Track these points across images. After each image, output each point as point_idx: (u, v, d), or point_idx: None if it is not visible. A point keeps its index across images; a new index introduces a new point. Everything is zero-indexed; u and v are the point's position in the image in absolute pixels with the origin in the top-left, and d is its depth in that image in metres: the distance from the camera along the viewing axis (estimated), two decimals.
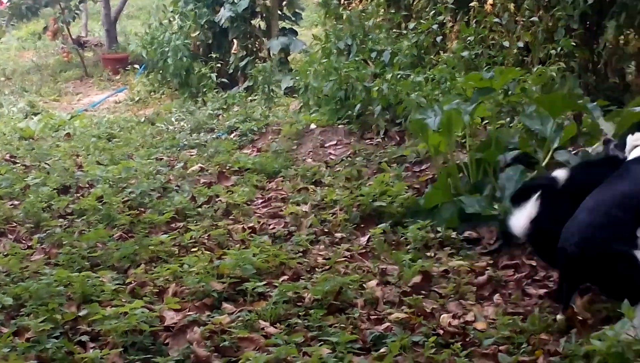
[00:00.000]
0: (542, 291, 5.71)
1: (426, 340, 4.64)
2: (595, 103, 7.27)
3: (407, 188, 7.63)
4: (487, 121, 8.57)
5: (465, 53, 9.77)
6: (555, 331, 4.90)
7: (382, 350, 4.57)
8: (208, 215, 7.50)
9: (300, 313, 5.08)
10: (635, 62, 11.62)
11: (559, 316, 4.93)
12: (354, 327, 4.94)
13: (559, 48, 9.55)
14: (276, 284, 5.54)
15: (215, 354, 4.62)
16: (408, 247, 6.51)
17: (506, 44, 10.07)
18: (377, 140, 9.62)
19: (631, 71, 11.95)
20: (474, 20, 10.73)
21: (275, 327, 4.87)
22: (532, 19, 10.27)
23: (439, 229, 6.69)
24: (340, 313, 5.18)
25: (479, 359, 4.56)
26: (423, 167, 8.49)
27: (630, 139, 5.56)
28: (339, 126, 10.24)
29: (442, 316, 5.16)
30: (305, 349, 4.46)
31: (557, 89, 8.73)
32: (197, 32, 16.37)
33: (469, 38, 10.27)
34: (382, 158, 8.80)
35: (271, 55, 15.50)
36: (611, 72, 11.67)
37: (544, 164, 7.08)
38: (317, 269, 6.14)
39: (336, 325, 4.93)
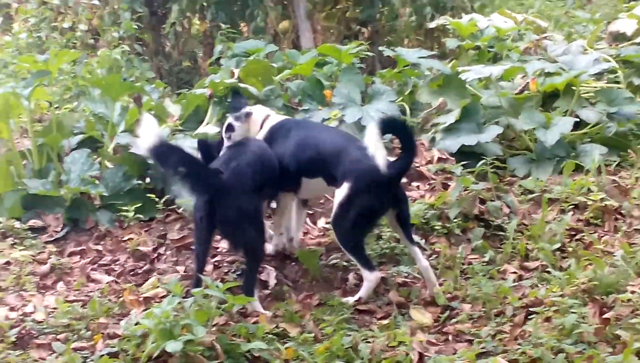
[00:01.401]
0: (107, 277, 5.70)
1: None
2: (153, 86, 7.35)
3: None
4: (57, 105, 8.32)
5: (23, 35, 9.38)
6: (117, 314, 4.91)
7: None
8: None
9: None
10: (203, 46, 12.08)
11: None
12: None
13: (122, 31, 9.57)
14: None
15: None
16: None
17: (66, 25, 9.86)
18: None
19: (201, 55, 12.41)
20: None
21: None
22: (94, 1, 10.18)
23: (0, 219, 6.35)
24: None
25: (35, 350, 4.42)
26: None
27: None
28: None
29: None
30: None
31: (124, 73, 8.75)
32: None
33: (30, 20, 9.90)
34: None
35: None
36: (182, 56, 12.01)
37: (110, 147, 7.02)
38: None
39: None
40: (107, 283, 5.56)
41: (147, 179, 6.72)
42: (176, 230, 6.25)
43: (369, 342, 4.37)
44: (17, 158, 6.91)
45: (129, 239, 6.20)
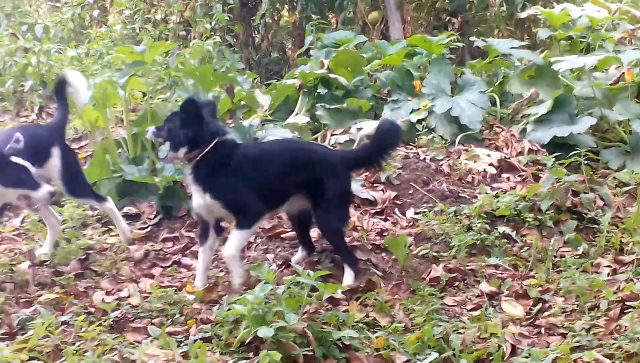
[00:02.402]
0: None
1: (76, 319, 4.50)
2: (245, 76, 7.44)
3: None
4: (150, 96, 8.49)
5: (118, 27, 9.60)
6: (209, 300, 4.98)
7: (29, 334, 4.34)
8: None
9: None
10: (292, 37, 12.15)
11: None
12: (1, 312, 4.68)
13: (214, 22, 9.71)
14: None
15: None
16: (64, 226, 6.28)
17: (158, 17, 10.06)
18: (32, 117, 9.19)
19: (290, 46, 12.48)
20: None
21: None
22: None
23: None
24: None
25: (130, 334, 4.50)
26: (82, 144, 8.22)
27: None
28: None
29: (95, 294, 5.05)
30: None
31: (215, 64, 8.87)
32: None
33: (125, 12, 10.13)
34: None
35: None
36: (270, 47, 12.11)
37: None
38: None
39: None
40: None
41: None
42: (266, 219, 6.32)
43: (460, 333, 4.34)
44: (113, 147, 7.08)
45: None
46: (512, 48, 8.03)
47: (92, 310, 4.77)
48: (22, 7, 11.10)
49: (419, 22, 11.03)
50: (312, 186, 5.17)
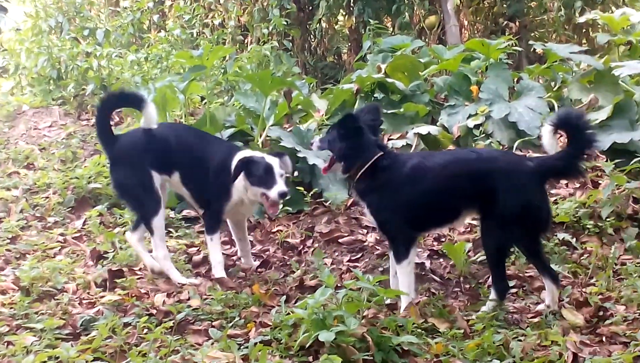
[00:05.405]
0: (256, 263, 5.85)
1: (138, 321, 4.56)
2: (304, 81, 7.47)
3: None
4: (205, 100, 8.59)
5: (177, 31, 9.71)
6: (267, 304, 5.00)
7: (92, 334, 4.41)
8: None
9: (4, 302, 4.80)
10: (348, 42, 12.19)
11: None
12: (64, 312, 4.76)
13: (272, 27, 9.77)
14: None
15: None
16: (125, 229, 6.37)
17: (217, 22, 10.16)
18: (93, 120, 9.33)
19: (346, 51, 12.53)
20: None
21: None
22: None
23: None
24: (50, 299, 4.97)
25: (191, 335, 4.53)
26: None
27: None
28: (54, 107, 9.81)
29: (156, 296, 5.09)
30: (8, 338, 4.22)
31: (272, 68, 8.94)
32: None
33: (185, 17, 10.25)
34: None
35: None
36: (326, 52, 12.16)
37: (260, 141, 7.20)
38: (27, 255, 5.87)
39: (44, 312, 4.72)
40: (257, 272, 5.68)
41: (296, 173, 6.79)
42: (323, 223, 6.35)
43: (520, 340, 4.30)
44: None
45: (277, 231, 6.35)
46: (571, 53, 7.96)
47: (154, 312, 4.81)
48: (84, 11, 11.27)
49: (476, 26, 10.98)
50: (485, 199, 4.73)
